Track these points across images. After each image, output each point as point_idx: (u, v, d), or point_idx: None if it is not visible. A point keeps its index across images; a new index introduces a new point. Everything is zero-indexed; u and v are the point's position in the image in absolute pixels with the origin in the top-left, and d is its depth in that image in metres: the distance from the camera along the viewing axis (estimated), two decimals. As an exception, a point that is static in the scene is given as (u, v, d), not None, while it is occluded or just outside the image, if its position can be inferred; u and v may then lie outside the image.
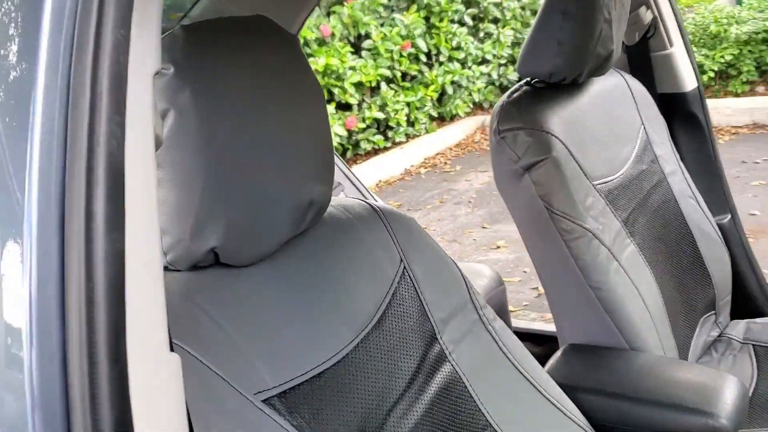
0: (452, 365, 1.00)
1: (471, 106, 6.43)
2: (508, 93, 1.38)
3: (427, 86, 5.92)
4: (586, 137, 1.37)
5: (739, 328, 1.63)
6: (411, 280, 1.01)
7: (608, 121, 1.47)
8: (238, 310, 0.81)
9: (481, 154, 5.63)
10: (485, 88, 6.50)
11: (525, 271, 3.34)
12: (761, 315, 1.71)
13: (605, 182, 1.37)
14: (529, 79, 1.40)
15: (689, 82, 1.70)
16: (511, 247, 3.65)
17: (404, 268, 1.01)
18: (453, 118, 6.28)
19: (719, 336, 1.61)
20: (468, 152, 5.80)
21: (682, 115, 1.72)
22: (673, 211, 1.55)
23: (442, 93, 6.11)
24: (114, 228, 0.48)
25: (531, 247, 1.35)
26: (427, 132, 5.96)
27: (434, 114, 6.13)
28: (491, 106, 6.47)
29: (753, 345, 1.56)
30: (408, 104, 5.71)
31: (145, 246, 0.52)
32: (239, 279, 0.84)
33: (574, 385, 1.12)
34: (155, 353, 0.52)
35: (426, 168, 5.50)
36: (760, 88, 5.39)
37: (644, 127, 1.56)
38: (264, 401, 0.77)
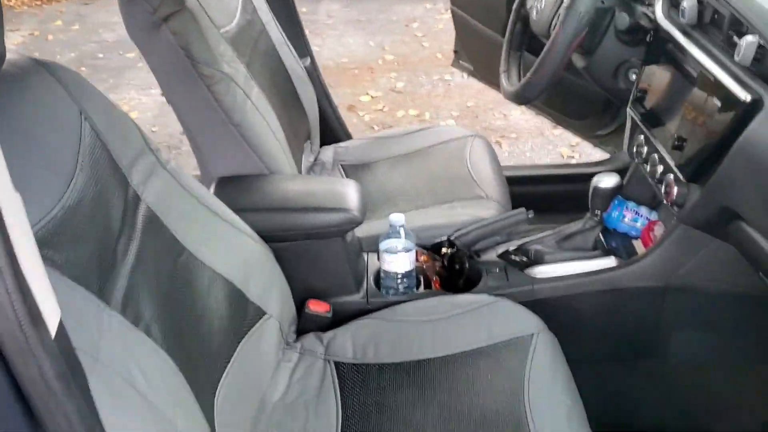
0: (146, 204, 1.10)
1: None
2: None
3: None
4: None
5: (328, 152, 2.01)
6: (94, 131, 1.05)
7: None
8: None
9: None
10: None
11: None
12: (339, 141, 2.12)
13: (227, 30, 1.53)
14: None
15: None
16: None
17: (85, 119, 1.04)
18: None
19: (315, 159, 1.96)
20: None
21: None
22: (275, 56, 1.79)
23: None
24: None
25: (172, 93, 1.45)
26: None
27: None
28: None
29: (341, 164, 1.95)
30: None
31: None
32: None
33: (235, 208, 1.31)
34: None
35: None
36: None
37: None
38: None
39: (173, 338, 1.01)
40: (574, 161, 3.07)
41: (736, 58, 1.07)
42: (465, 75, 3.84)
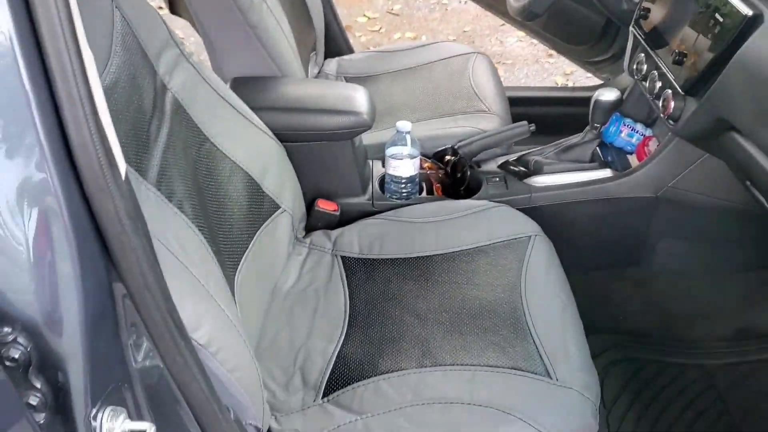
0: (172, 93, 1.15)
1: None
2: None
3: None
4: None
5: (332, 64, 2.05)
6: (125, 19, 1.09)
7: None
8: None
9: None
10: None
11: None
12: (342, 54, 2.15)
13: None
14: None
15: None
16: None
17: (116, 7, 1.08)
18: None
19: (319, 71, 2.00)
20: None
21: None
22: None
23: None
24: None
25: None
26: None
27: None
28: None
29: (344, 77, 1.99)
30: None
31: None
32: None
33: (251, 106, 1.36)
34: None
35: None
36: None
37: None
38: None
39: (202, 218, 1.08)
40: (567, 89, 3.12)
41: (741, -26, 1.12)
42: (463, 0, 3.85)
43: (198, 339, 0.89)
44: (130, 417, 0.72)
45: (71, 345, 0.64)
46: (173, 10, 1.91)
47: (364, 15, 3.78)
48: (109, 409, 0.69)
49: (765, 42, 1.06)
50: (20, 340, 0.62)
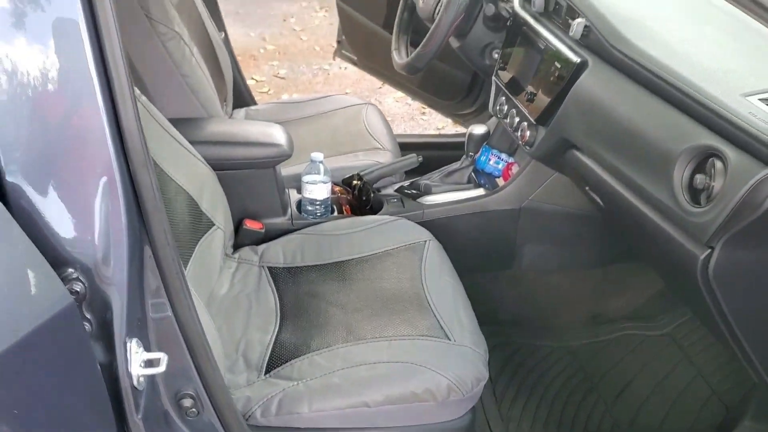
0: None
1: None
2: None
3: None
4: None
5: (241, 113, 2.32)
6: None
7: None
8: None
9: None
10: None
11: None
12: (247, 105, 2.43)
13: (172, -1, 1.81)
14: None
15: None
16: None
17: None
18: None
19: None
20: None
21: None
22: (202, 26, 2.08)
23: None
24: None
25: (131, 48, 1.71)
26: None
27: None
28: None
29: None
30: None
31: None
32: None
33: (191, 140, 1.61)
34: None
35: None
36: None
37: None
38: None
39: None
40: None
41: (570, 34, 1.52)
42: (343, 66, 4.25)
43: None
44: (146, 349, 0.95)
45: (117, 283, 0.87)
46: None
47: (252, 78, 4.08)
48: (134, 339, 0.92)
49: (590, 80, 1.45)
50: (81, 277, 0.85)
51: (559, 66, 1.55)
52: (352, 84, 4.10)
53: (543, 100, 1.60)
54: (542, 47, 1.64)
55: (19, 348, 0.73)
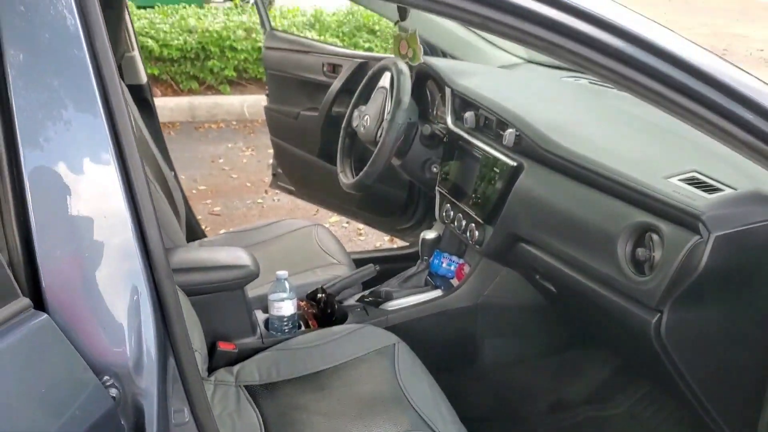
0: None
1: None
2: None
3: None
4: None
5: (195, 245, 2.40)
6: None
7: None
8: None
9: None
10: None
11: None
12: (199, 238, 2.52)
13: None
14: None
15: (142, 76, 2.35)
16: None
17: None
18: None
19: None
20: None
21: (139, 100, 2.36)
22: (157, 166, 2.19)
23: None
24: None
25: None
26: None
27: None
28: None
29: (207, 254, 2.34)
30: None
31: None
32: None
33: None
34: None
35: None
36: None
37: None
38: None
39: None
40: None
41: (504, 142, 1.72)
42: (276, 198, 4.41)
43: None
44: (167, 457, 0.99)
45: (148, 389, 0.92)
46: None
47: (189, 217, 4.16)
48: (162, 446, 0.96)
49: (528, 181, 1.64)
50: (115, 383, 0.90)
51: (497, 170, 1.73)
52: (287, 213, 4.24)
53: (488, 201, 1.77)
54: (479, 156, 1.83)
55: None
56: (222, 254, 1.84)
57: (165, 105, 6.35)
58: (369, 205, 2.84)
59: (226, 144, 5.66)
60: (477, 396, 2.03)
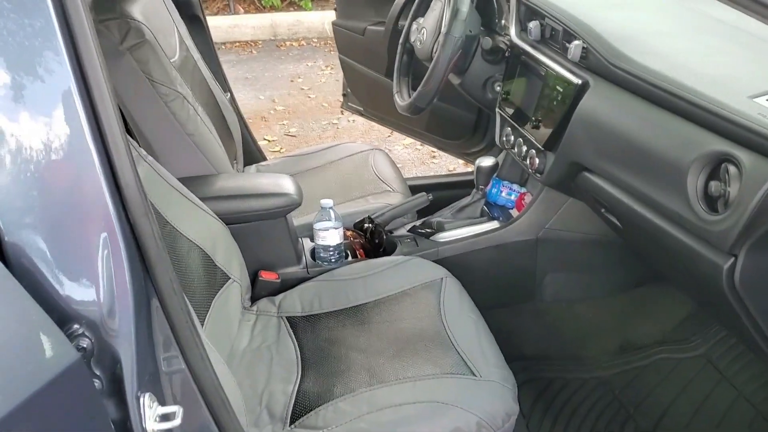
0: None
1: None
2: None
3: None
4: (156, 27, 1.80)
5: (251, 170, 2.33)
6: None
7: (159, 17, 1.92)
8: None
9: None
10: None
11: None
12: (258, 162, 2.45)
13: (174, 61, 1.84)
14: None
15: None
16: None
17: None
18: None
19: (241, 176, 2.28)
20: None
21: (189, 17, 2.26)
22: (206, 86, 2.11)
23: None
24: None
25: (134, 111, 1.74)
26: None
27: None
28: None
29: (263, 178, 2.28)
30: None
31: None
32: None
33: (202, 197, 1.61)
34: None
35: None
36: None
37: (175, 24, 2.06)
38: None
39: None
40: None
41: (569, 57, 1.52)
42: (351, 119, 4.29)
43: None
44: (160, 404, 0.92)
45: (124, 337, 0.85)
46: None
47: (264, 138, 4.13)
48: (147, 394, 0.89)
49: (593, 100, 1.44)
50: (86, 333, 0.83)
51: (560, 89, 1.54)
52: (362, 135, 4.13)
53: (548, 125, 1.59)
54: (542, 73, 1.63)
55: (25, 409, 0.71)
56: (264, 181, 1.77)
57: (246, 23, 6.29)
58: (436, 127, 2.68)
59: (306, 63, 5.56)
60: (535, 334, 1.90)
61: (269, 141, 4.12)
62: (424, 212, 2.01)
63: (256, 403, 1.41)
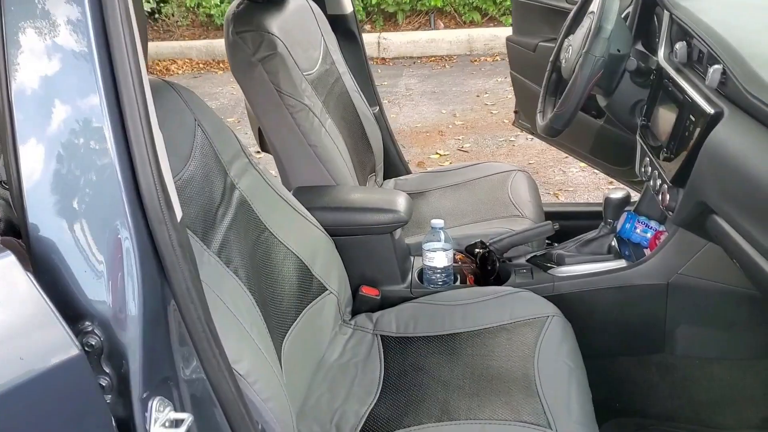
0: (239, 191, 1.44)
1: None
2: (235, 4, 1.81)
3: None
4: (293, 41, 1.87)
5: (390, 183, 2.34)
6: (204, 134, 1.40)
7: (302, 31, 1.99)
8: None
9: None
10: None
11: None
12: (400, 175, 2.45)
13: (309, 74, 1.90)
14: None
15: (347, 6, 2.30)
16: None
17: (198, 125, 1.40)
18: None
19: (379, 189, 2.29)
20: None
21: (343, 31, 2.32)
22: (347, 100, 2.15)
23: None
24: None
25: (263, 119, 1.82)
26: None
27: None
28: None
29: (399, 192, 2.27)
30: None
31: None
32: None
33: (309, 207, 1.64)
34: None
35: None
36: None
37: (323, 38, 2.12)
38: None
39: (255, 286, 1.32)
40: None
41: (706, 82, 1.33)
42: (530, 137, 4.15)
43: (238, 369, 1.11)
44: (175, 410, 0.94)
45: (132, 339, 0.87)
46: (262, 147, 2.25)
47: (437, 153, 4.13)
48: (158, 398, 0.91)
49: (723, 133, 1.25)
50: (96, 331, 0.86)
51: (693, 119, 1.35)
52: (537, 154, 3.98)
53: (679, 157, 1.40)
54: (680, 99, 1.45)
55: (18, 392, 0.75)
56: (375, 196, 1.76)
57: (444, 38, 6.36)
58: (601, 151, 2.49)
59: (496, 78, 5.48)
60: (662, 391, 1.68)
61: (440, 155, 4.11)
62: (556, 241, 1.87)
63: (327, 419, 1.40)
